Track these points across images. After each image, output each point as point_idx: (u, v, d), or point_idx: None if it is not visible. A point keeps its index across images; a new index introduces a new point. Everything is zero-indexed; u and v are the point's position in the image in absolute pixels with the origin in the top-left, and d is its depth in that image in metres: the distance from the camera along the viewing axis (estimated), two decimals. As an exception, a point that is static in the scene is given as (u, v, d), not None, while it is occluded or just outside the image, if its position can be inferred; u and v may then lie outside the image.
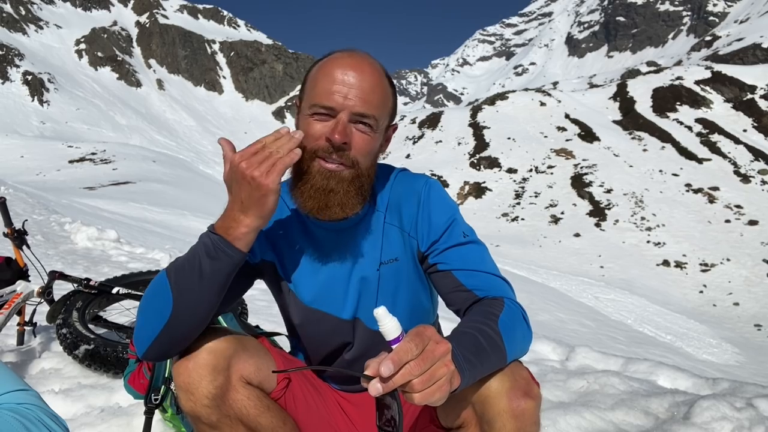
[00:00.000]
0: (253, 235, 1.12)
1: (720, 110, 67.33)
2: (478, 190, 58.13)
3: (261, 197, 1.08)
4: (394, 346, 0.86)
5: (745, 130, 62.71)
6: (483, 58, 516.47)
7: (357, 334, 1.34)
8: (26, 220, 3.34)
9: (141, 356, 1.17)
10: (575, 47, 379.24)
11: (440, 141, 72.79)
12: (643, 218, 47.50)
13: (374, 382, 0.84)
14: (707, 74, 73.07)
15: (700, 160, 57.07)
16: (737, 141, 60.11)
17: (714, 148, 59.21)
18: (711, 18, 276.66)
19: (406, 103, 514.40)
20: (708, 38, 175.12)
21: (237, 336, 1.27)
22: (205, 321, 1.16)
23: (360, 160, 1.18)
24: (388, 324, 0.87)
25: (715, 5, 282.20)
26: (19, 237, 2.91)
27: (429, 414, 1.25)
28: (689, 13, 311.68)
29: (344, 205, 1.19)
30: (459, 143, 69.93)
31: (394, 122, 1.26)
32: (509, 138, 67.70)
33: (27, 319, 3.02)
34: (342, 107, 1.14)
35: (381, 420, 0.89)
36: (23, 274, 2.91)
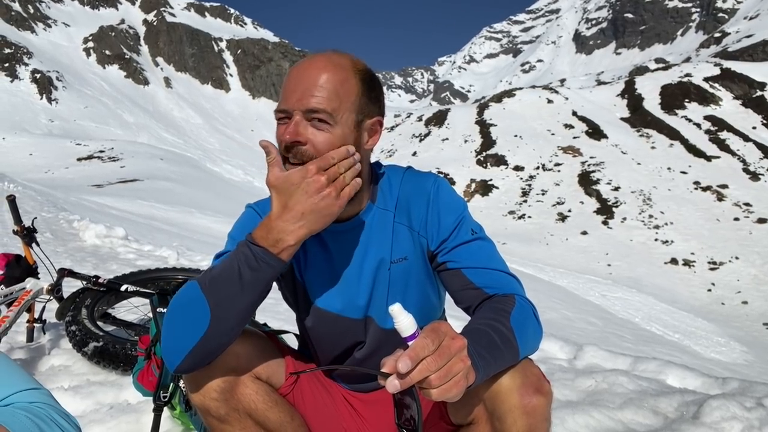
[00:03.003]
0: (298, 246, 1.12)
1: (729, 107, 66.92)
2: (485, 188, 58.06)
3: (327, 216, 1.09)
4: (409, 343, 0.85)
5: (754, 128, 62.30)
6: (490, 56, 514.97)
7: (369, 333, 1.33)
8: (35, 218, 3.35)
9: (173, 369, 1.16)
10: (583, 44, 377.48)
11: (447, 139, 72.75)
12: (650, 216, 47.32)
13: (391, 378, 0.83)
14: (716, 71, 72.60)
15: (708, 158, 56.76)
16: (746, 138, 59.74)
17: (723, 146, 58.87)
18: (720, 14, 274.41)
19: (412, 101, 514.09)
20: (717, 35, 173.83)
21: (246, 331, 1.28)
22: (240, 330, 1.16)
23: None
24: (404, 321, 0.86)
25: (724, 1, 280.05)
26: (28, 234, 2.93)
27: (439, 410, 1.26)
28: (698, 10, 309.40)
29: None
30: (466, 141, 69.87)
31: (377, 116, 1.24)
32: (516, 135, 67.57)
33: (36, 316, 3.04)
34: (293, 107, 1.15)
35: (400, 419, 0.89)
36: (33, 272, 2.93)
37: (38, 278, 2.93)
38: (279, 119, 1.18)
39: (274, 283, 1.39)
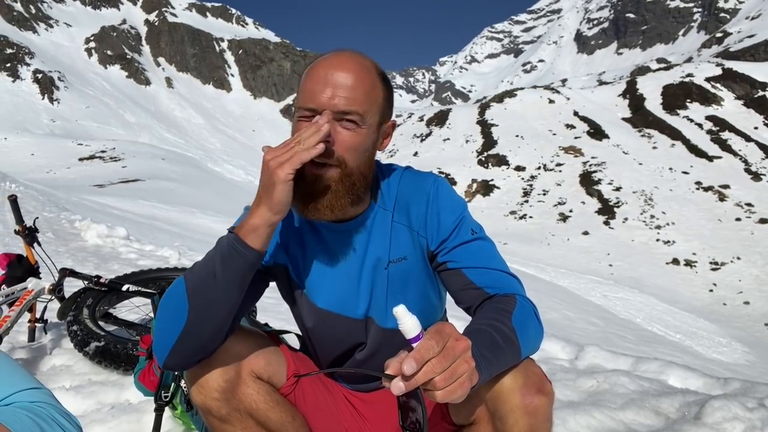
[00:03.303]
0: (264, 230, 1.10)
1: (731, 107, 66.73)
2: (486, 188, 57.97)
3: (270, 186, 1.07)
4: (414, 345, 0.85)
5: (756, 128, 62.13)
6: (491, 56, 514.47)
7: (369, 334, 1.33)
8: (37, 218, 3.36)
9: (161, 365, 1.16)
10: (584, 44, 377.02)
11: (448, 139, 72.65)
12: (652, 216, 47.21)
13: (396, 380, 0.82)
14: (718, 71, 72.40)
15: (710, 158, 56.62)
16: (748, 138, 59.59)
17: (725, 146, 58.72)
18: (722, 14, 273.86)
19: (413, 101, 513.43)
20: (719, 35, 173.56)
21: (247, 331, 1.28)
22: (223, 326, 1.14)
23: (347, 158, 1.15)
24: (408, 322, 0.85)
25: (726, 1, 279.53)
26: (30, 234, 2.93)
27: (441, 411, 1.25)
28: (700, 10, 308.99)
29: (333, 206, 1.17)
30: (467, 141, 69.77)
31: (391, 119, 1.25)
32: (517, 136, 67.45)
33: (38, 316, 3.04)
34: (323, 107, 1.13)
35: (405, 421, 0.88)
36: (34, 272, 2.93)
37: (40, 278, 2.93)
38: (302, 117, 1.17)
39: (274, 283, 1.39)
